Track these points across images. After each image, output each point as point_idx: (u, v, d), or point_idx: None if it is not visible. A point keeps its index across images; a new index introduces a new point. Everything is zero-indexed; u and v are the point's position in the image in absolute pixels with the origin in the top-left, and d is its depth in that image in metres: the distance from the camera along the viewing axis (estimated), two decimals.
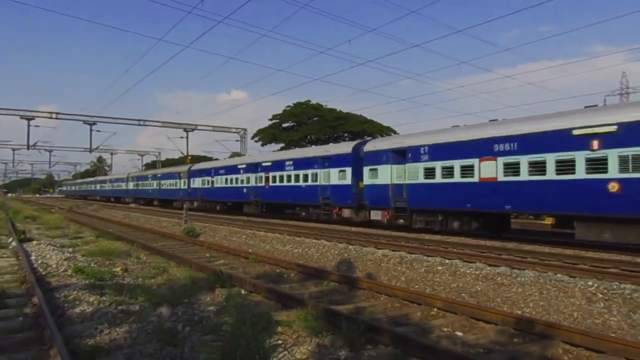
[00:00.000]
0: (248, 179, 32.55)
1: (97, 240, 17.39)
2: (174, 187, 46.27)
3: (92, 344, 5.77)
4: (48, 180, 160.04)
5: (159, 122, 54.63)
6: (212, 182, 38.10)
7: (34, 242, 16.15)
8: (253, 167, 32.07)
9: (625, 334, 6.91)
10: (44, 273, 10.84)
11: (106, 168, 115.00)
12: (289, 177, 28.37)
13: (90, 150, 56.63)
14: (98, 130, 52.40)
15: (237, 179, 34.23)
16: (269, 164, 30.35)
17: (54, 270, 11.17)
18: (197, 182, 41.02)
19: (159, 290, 9.03)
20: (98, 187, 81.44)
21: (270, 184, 29.87)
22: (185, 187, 43.16)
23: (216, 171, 37.76)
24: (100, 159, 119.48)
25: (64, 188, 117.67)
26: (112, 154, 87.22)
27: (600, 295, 8.73)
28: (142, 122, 53.09)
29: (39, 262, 12.16)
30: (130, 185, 62.94)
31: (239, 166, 34.08)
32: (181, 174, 44.83)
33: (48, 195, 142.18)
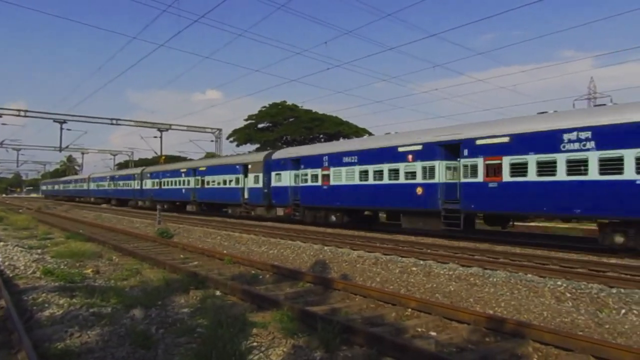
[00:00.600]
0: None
1: (67, 242, 17.02)
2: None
3: (62, 348, 5.64)
4: (15, 180, 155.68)
5: (132, 121, 53.69)
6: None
7: (1, 244, 15.68)
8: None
9: (593, 332, 7.11)
10: (11, 275, 10.55)
11: (76, 167, 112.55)
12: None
13: (61, 150, 55.37)
14: (69, 129, 51.37)
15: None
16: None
17: (21, 272, 10.88)
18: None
19: (131, 292, 8.89)
20: (93, 186, 65.54)
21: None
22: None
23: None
24: (70, 159, 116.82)
25: (45, 187, 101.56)
26: (83, 153, 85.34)
27: (569, 295, 8.96)
28: (114, 121, 52.12)
29: (6, 263, 11.83)
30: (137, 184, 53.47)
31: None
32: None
33: (15, 195, 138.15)
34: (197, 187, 36.11)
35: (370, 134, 63.12)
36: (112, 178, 57.61)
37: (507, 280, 10.12)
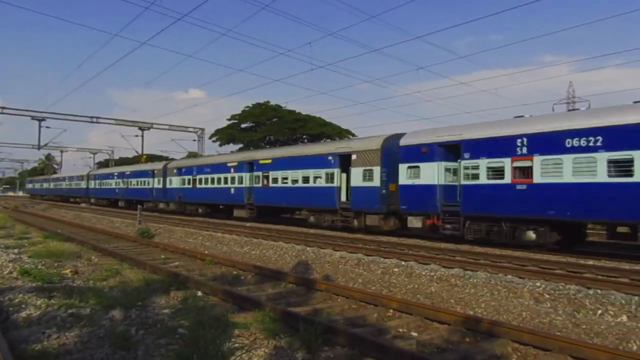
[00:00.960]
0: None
1: (45, 241, 16.70)
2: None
3: (40, 349, 5.54)
4: None
5: (112, 119, 53.08)
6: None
7: None
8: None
9: (570, 333, 7.23)
10: None
11: (55, 166, 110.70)
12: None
13: (39, 147, 54.41)
14: (47, 127, 50.33)
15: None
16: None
17: None
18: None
19: (111, 293, 8.78)
20: (94, 184, 56.34)
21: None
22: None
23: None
24: (49, 157, 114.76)
25: (32, 185, 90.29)
26: (62, 151, 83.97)
27: (547, 296, 9.10)
28: (94, 119, 51.41)
29: None
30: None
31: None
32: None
33: None
34: (255, 185, 28.24)
35: (353, 134, 63.49)
36: (122, 175, 49.18)
37: (487, 281, 10.24)
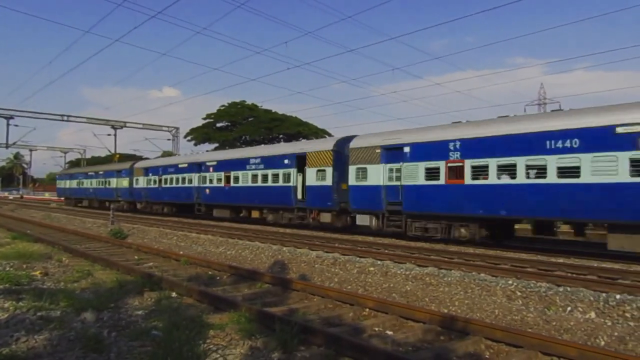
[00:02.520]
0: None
1: (14, 242, 16.26)
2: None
3: (7, 353, 5.38)
4: None
5: (84, 117, 52.06)
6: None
7: None
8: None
9: (541, 329, 7.39)
10: None
11: (24, 165, 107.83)
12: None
13: (7, 146, 52.97)
14: (16, 125, 49.07)
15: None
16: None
17: None
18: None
19: (82, 295, 8.59)
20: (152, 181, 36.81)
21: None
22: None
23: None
24: (17, 156, 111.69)
25: (64, 185, 56.93)
26: (31, 150, 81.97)
27: (519, 294, 9.28)
28: (65, 118, 50.33)
29: None
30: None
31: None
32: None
33: None
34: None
35: (330, 134, 63.64)
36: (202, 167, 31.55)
37: (461, 280, 10.39)
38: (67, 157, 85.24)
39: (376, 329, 7.14)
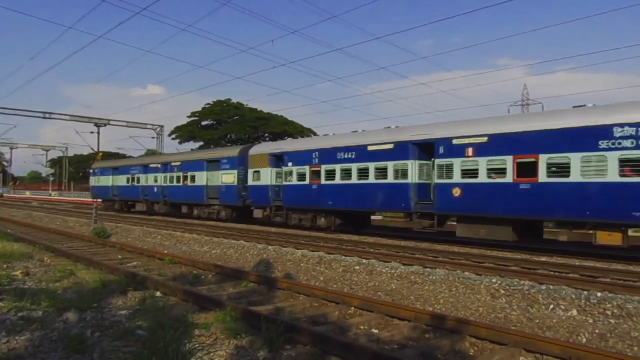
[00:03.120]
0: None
1: None
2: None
3: None
4: None
5: (67, 115, 51.37)
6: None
7: None
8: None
9: (524, 327, 7.48)
10: None
11: (4, 164, 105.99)
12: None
13: None
14: None
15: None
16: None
17: None
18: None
19: (65, 295, 8.47)
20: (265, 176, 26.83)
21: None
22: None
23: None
24: None
25: (103, 182, 40.94)
26: (12, 148, 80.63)
27: (503, 292, 9.38)
28: (47, 115, 49.61)
29: None
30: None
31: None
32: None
33: None
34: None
35: (315, 134, 63.68)
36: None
37: (446, 278, 10.46)
38: (50, 155, 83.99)
39: (362, 327, 7.15)
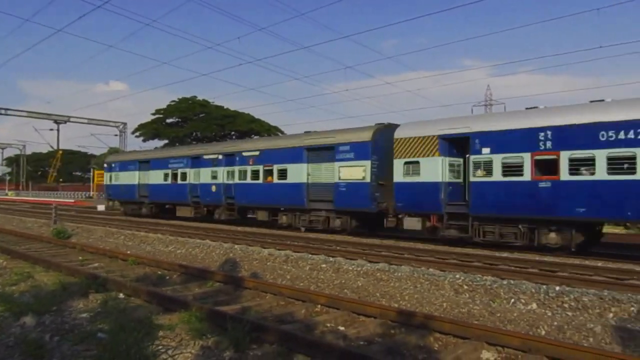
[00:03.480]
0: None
1: None
2: None
3: None
4: None
5: (24, 111, 49.55)
6: None
7: None
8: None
9: (486, 321, 7.68)
10: None
11: None
12: None
13: None
14: None
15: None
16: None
17: None
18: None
19: (22, 298, 8.18)
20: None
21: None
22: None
23: None
24: None
25: (124, 180, 32.60)
26: None
27: (466, 287, 9.59)
28: (3, 111, 47.73)
29: None
30: None
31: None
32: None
33: None
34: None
35: (282, 132, 63.52)
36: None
37: (411, 275, 10.61)
38: (5, 153, 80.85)
39: (328, 325, 7.19)
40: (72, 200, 59.71)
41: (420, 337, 6.50)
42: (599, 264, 12.30)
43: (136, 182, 31.09)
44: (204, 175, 26.02)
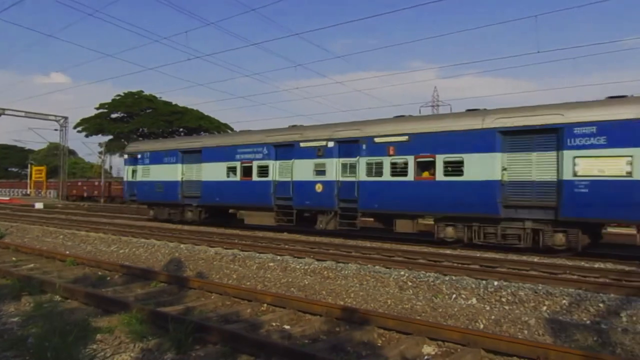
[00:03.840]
0: None
1: None
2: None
3: None
4: None
5: None
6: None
7: None
8: None
9: (428, 316, 7.88)
10: None
11: None
12: None
13: None
14: None
15: None
16: None
17: None
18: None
19: None
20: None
21: None
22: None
23: None
24: None
25: (157, 175, 25.09)
26: None
27: (410, 284, 9.80)
28: None
29: None
30: None
31: None
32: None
33: None
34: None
35: (232, 129, 62.76)
36: None
37: (358, 272, 10.73)
38: None
39: (274, 324, 7.16)
40: (7, 198, 56.63)
41: (364, 333, 6.58)
42: (535, 259, 12.91)
43: (178, 179, 23.69)
44: (301, 170, 19.00)
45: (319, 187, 18.38)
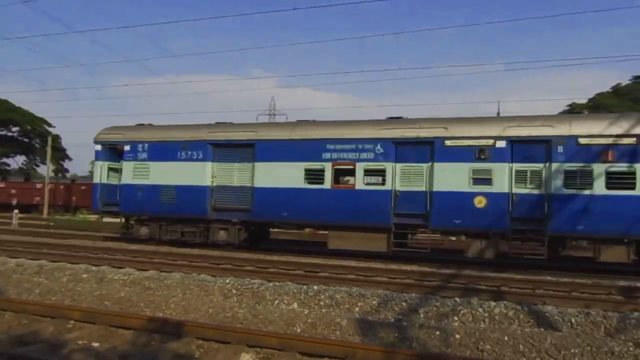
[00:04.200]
0: None
1: None
2: None
3: None
4: None
5: None
6: None
7: None
8: None
9: (249, 324, 7.91)
10: None
11: None
12: None
13: None
14: None
15: None
16: None
17: None
18: None
19: None
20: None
21: None
22: None
23: None
24: None
25: (159, 177, 18.08)
26: None
27: (235, 291, 9.78)
28: None
29: None
30: None
31: None
32: None
33: None
34: None
35: (49, 125, 56.24)
36: None
37: (182, 282, 10.38)
38: None
39: (80, 342, 6.52)
40: None
41: (182, 345, 6.34)
42: (352, 263, 13.93)
43: (207, 183, 17.41)
44: (446, 177, 14.65)
45: (480, 202, 14.28)
